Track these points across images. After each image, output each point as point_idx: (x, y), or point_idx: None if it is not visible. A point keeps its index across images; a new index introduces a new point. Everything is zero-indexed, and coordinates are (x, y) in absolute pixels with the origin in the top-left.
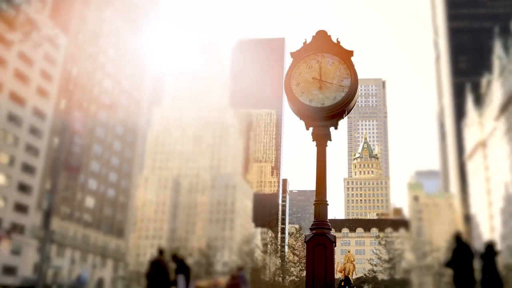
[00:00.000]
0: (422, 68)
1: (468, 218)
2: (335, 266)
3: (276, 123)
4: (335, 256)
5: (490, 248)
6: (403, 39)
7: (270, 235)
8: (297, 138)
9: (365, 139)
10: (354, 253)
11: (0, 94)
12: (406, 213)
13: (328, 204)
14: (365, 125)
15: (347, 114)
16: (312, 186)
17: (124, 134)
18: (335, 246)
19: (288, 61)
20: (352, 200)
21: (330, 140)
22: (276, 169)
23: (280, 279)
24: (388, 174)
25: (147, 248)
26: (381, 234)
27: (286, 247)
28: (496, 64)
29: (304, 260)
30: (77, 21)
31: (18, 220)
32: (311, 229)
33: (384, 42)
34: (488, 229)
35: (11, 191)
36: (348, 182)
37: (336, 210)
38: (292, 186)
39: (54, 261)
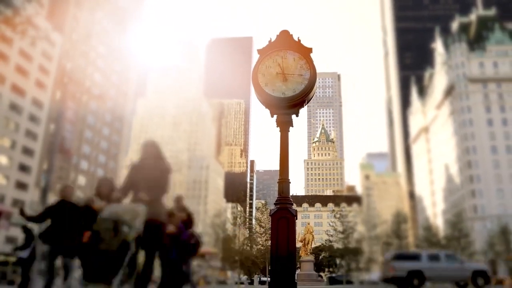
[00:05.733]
0: (372, 63)
1: (412, 195)
2: (296, 236)
3: (245, 111)
4: (296, 228)
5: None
6: (356, 38)
7: (239, 209)
8: (263, 124)
9: (323, 125)
10: (313, 225)
11: (3, 86)
12: (359, 190)
13: (290, 182)
14: (323, 113)
15: (306, 104)
16: (277, 166)
17: (112, 121)
18: (296, 219)
19: (255, 57)
20: (311, 178)
21: (292, 126)
22: (244, 151)
23: (248, 247)
24: (343, 156)
25: None
26: (337, 209)
27: (254, 220)
28: (438, 60)
29: (269, 231)
30: (71, 22)
31: (18, 196)
32: (275, 204)
33: (340, 41)
34: (430, 204)
35: (12, 171)
36: (308, 163)
37: (297, 188)
38: (258, 166)
39: None
